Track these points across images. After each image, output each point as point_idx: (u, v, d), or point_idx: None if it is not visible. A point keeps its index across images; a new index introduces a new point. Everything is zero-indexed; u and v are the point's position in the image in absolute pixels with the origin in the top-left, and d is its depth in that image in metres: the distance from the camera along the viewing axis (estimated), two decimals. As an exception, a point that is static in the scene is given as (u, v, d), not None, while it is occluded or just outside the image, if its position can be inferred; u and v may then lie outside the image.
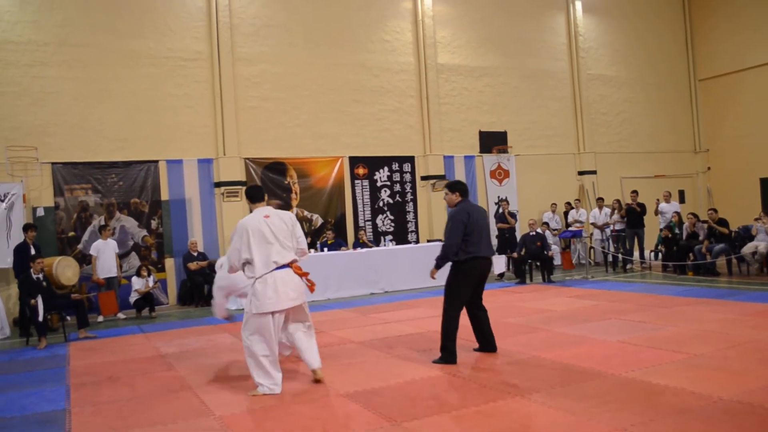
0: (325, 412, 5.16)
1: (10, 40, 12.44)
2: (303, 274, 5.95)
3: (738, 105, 19.64)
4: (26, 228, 11.18)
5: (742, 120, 19.50)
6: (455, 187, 7.05)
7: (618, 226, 15.37)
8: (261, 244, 5.79)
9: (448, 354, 6.61)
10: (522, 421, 4.70)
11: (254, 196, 6.17)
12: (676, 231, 14.43)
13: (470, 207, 6.84)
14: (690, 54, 20.81)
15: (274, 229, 5.84)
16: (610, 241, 15.56)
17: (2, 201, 11.84)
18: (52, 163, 12.63)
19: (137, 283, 12.26)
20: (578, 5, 18.72)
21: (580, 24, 18.75)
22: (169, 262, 13.60)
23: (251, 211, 6.08)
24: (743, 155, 19.41)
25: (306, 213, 14.94)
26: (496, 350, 6.95)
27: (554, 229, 16.47)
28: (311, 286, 6.00)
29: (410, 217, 16.22)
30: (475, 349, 7.04)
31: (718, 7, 20.12)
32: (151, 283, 12.33)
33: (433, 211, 16.24)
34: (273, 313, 5.74)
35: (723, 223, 13.22)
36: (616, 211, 15.50)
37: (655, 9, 20.38)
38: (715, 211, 13.63)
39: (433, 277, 6.88)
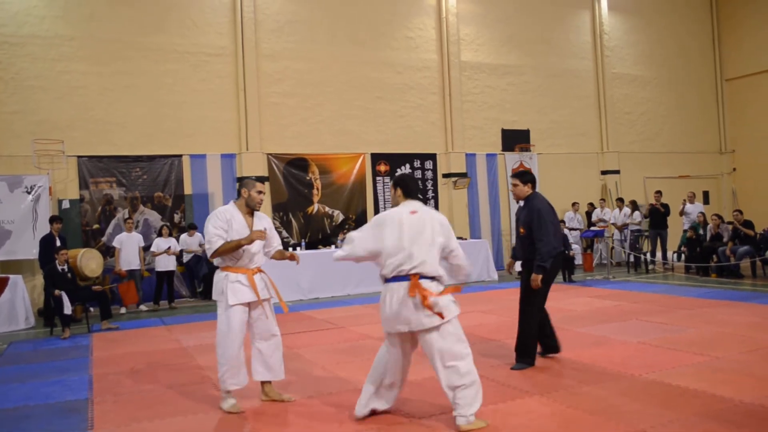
0: (343, 407, 5.18)
1: (37, 34, 12.61)
2: (423, 298, 4.44)
3: (765, 105, 19.34)
4: (52, 220, 11.33)
5: (770, 121, 19.23)
6: (526, 177, 6.34)
7: (632, 227, 15.32)
8: (397, 239, 4.58)
9: (531, 357, 6.20)
10: (540, 420, 4.68)
11: (411, 189, 4.89)
12: (700, 232, 14.28)
13: (545, 199, 6.28)
14: (716, 53, 20.56)
15: (416, 227, 4.59)
16: (627, 242, 15.48)
17: (29, 193, 12.03)
18: (78, 157, 12.80)
19: (159, 244, 12.39)
20: (604, 3, 18.57)
21: (605, 22, 18.59)
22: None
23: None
24: (770, 157, 19.15)
25: (327, 209, 15.00)
26: (560, 350, 6.52)
27: (573, 229, 16.35)
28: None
29: (431, 214, 16.16)
30: (540, 354, 6.49)
31: (745, 7, 19.85)
32: (172, 248, 12.42)
33: (454, 208, 16.20)
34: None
35: (748, 224, 13.06)
36: (639, 212, 15.42)
37: (681, 8, 20.17)
38: (741, 212, 13.46)
39: (539, 284, 5.99)
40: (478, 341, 7.63)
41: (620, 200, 16.29)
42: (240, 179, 14.04)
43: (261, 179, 14.11)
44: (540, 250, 5.98)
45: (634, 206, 15.67)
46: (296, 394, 5.63)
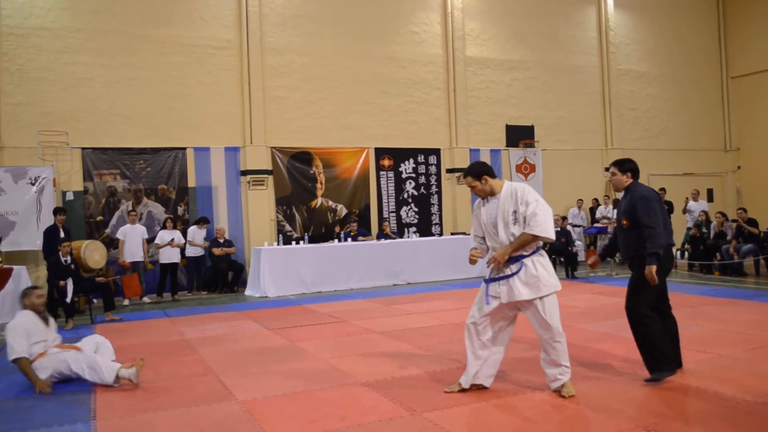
0: (345, 401, 5.20)
1: (43, 26, 12.62)
2: None
3: (771, 103, 19.29)
4: (56, 211, 11.37)
5: (775, 119, 19.16)
6: (626, 165, 5.74)
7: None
8: None
9: (665, 364, 5.34)
10: (542, 415, 4.69)
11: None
12: (704, 230, 14.26)
13: (649, 187, 5.64)
14: (722, 51, 20.47)
15: None
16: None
17: (33, 184, 12.05)
18: (82, 148, 12.81)
19: (163, 236, 12.43)
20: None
21: (611, 19, 18.53)
22: (194, 249, 13.73)
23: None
24: (775, 155, 19.08)
25: (330, 203, 15.00)
26: (681, 366, 5.64)
27: (576, 225, 16.37)
28: None
29: (434, 209, 16.21)
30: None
31: (752, 4, 19.76)
32: (176, 240, 12.45)
33: (457, 204, 16.21)
34: None
35: (752, 222, 13.04)
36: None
37: (687, 5, 20.07)
38: (745, 210, 13.44)
39: (655, 276, 5.21)
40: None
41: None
42: (244, 172, 14.04)
43: (264, 173, 14.13)
44: (652, 238, 5.25)
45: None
46: (298, 387, 5.64)
